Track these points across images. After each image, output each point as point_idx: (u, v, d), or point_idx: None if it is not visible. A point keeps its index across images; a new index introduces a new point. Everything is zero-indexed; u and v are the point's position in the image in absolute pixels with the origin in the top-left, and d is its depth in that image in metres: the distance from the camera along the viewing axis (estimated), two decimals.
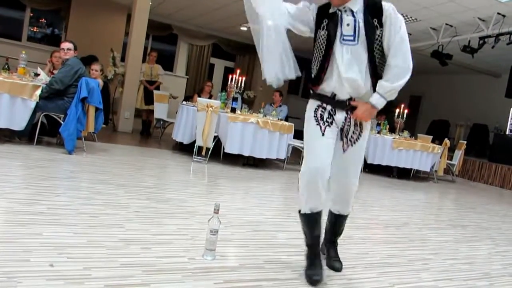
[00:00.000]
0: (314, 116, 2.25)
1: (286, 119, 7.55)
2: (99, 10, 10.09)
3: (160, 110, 7.40)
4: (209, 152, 5.60)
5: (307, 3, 2.31)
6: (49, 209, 2.67)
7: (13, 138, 4.72)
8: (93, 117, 4.80)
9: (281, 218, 3.53)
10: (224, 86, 9.76)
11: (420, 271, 2.69)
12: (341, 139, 2.31)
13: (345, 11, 2.18)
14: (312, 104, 2.30)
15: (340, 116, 2.26)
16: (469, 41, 7.98)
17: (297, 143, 6.32)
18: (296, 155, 7.17)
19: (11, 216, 2.48)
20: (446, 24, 7.97)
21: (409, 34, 9.00)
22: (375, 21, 2.15)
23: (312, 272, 2.22)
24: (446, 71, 10.60)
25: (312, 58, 2.30)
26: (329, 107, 2.25)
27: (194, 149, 5.68)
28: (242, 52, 12.59)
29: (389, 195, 5.73)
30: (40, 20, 10.69)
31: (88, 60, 6.79)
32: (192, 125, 5.85)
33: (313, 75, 2.28)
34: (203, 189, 4.35)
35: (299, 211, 2.29)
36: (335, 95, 2.24)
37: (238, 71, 6.72)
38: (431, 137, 8.68)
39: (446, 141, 7.96)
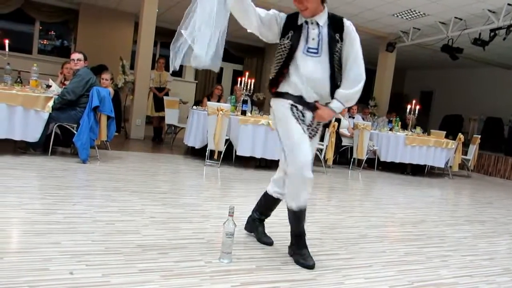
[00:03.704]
0: (292, 115, 2.41)
1: None
2: (107, 19, 10.20)
3: (171, 116, 7.44)
4: (221, 155, 5.61)
5: (277, 12, 2.44)
6: (66, 218, 2.70)
7: (28, 150, 4.79)
8: (105, 126, 4.85)
9: None
10: (234, 89, 9.78)
11: (440, 268, 2.66)
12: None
13: (312, 23, 2.38)
14: (283, 102, 2.43)
15: (308, 115, 2.46)
16: (480, 34, 7.88)
17: None
18: None
19: (29, 226, 2.51)
20: (455, 17, 7.88)
21: (418, 29, 8.94)
22: (337, 35, 2.38)
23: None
24: (457, 65, 10.47)
25: (274, 62, 2.51)
26: (300, 107, 2.43)
27: (206, 153, 5.70)
28: (250, 54, 12.62)
29: (404, 192, 5.68)
30: (50, 33, 10.85)
31: (98, 70, 6.89)
32: (203, 130, 5.87)
33: (271, 77, 2.51)
34: (216, 193, 4.36)
35: (299, 208, 2.38)
36: (301, 97, 2.41)
37: (247, 73, 6.74)
38: (445, 132, 8.58)
39: (460, 136, 7.86)
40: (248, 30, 2.44)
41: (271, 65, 2.50)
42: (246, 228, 2.84)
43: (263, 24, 2.38)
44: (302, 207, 2.39)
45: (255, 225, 2.79)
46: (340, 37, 2.38)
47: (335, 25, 2.39)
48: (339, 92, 2.40)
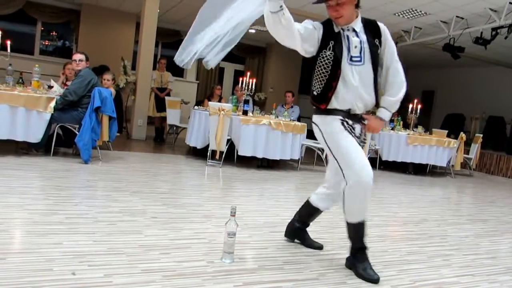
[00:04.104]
0: (345, 129, 2.32)
1: (299, 120, 7.53)
2: (108, 20, 10.21)
3: (172, 116, 7.45)
4: (223, 155, 5.62)
5: (313, 23, 2.31)
6: (68, 219, 2.71)
7: (30, 150, 4.80)
8: (107, 126, 4.86)
9: None
10: (235, 89, 9.79)
11: (441, 267, 2.66)
12: None
13: (348, 30, 2.30)
14: (333, 119, 2.34)
15: (357, 128, 2.40)
16: (481, 33, 7.86)
17: (310, 143, 6.30)
18: (309, 155, 7.15)
19: (32, 227, 2.52)
20: (457, 16, 7.86)
21: (419, 28, 8.90)
22: (376, 41, 2.32)
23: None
24: (459, 64, 10.45)
25: (314, 77, 2.38)
26: (350, 122, 2.36)
27: (208, 153, 5.70)
28: (252, 54, 12.61)
29: (406, 191, 5.67)
30: (51, 33, 10.87)
31: (100, 70, 6.90)
32: (205, 130, 5.88)
33: (316, 93, 2.37)
34: (218, 193, 4.36)
35: (359, 221, 2.31)
36: (349, 109, 2.34)
37: (249, 73, 6.74)
38: (446, 131, 8.56)
39: (462, 135, 7.84)
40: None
41: (314, 77, 2.33)
42: (286, 235, 2.80)
43: (305, 42, 2.27)
44: (362, 220, 2.32)
45: (300, 233, 2.76)
46: (379, 42, 2.33)
47: (372, 29, 2.33)
48: (386, 99, 2.37)
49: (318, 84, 2.35)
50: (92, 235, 2.46)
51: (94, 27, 10.03)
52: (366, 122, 2.41)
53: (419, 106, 7.79)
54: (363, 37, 2.29)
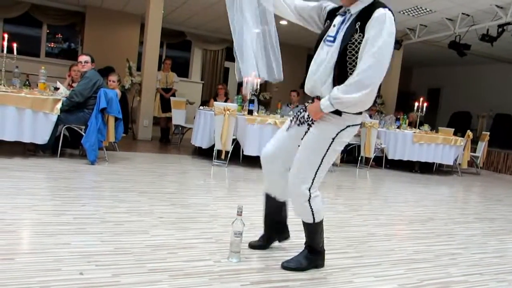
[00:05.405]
0: (294, 115, 2.31)
1: None
2: (113, 21, 10.26)
3: (178, 116, 7.47)
4: (229, 155, 5.62)
5: (323, 4, 2.29)
6: (76, 219, 2.73)
7: (37, 152, 4.84)
8: (113, 127, 4.89)
9: None
10: (240, 89, 9.78)
11: (449, 266, 2.65)
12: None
13: (345, 12, 2.15)
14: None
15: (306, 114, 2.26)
16: (488, 30, 7.80)
17: None
18: None
19: (40, 227, 2.54)
20: (463, 13, 7.81)
21: (425, 26, 8.83)
22: (357, 24, 2.02)
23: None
24: (465, 62, 10.39)
25: None
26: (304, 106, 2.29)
27: (214, 153, 5.71)
28: None
29: (412, 190, 5.65)
30: (57, 36, 10.94)
31: (105, 72, 6.93)
32: (210, 130, 5.89)
33: None
34: (224, 193, 4.37)
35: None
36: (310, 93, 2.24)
37: (254, 73, 6.73)
38: (453, 129, 8.51)
39: (469, 133, 7.79)
40: None
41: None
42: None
43: (302, 18, 2.30)
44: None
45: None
46: (361, 26, 2.00)
47: (365, 13, 2.02)
48: (334, 90, 2.03)
49: None
50: (100, 235, 2.48)
51: (99, 29, 10.08)
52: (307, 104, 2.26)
53: (425, 104, 7.76)
54: (351, 18, 2.07)
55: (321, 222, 2.28)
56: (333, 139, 2.14)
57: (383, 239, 3.10)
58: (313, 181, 2.17)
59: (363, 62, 1.97)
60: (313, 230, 2.29)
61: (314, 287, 2.12)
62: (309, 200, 2.18)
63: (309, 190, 2.17)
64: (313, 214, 2.21)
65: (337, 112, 2.09)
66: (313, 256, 2.33)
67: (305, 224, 2.29)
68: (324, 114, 2.10)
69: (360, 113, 2.13)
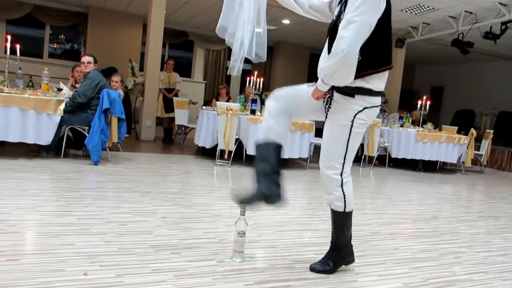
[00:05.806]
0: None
1: None
2: (115, 22, 10.28)
3: (180, 116, 7.48)
4: (232, 155, 5.63)
5: None
6: (79, 220, 2.74)
7: (41, 153, 4.85)
8: (116, 128, 4.89)
9: (306, 217, 3.52)
10: (243, 89, 9.78)
11: (453, 264, 2.64)
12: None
13: None
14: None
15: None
16: (491, 27, 7.76)
17: (319, 141, 6.28)
18: (318, 154, 7.12)
19: (44, 228, 2.55)
20: (465, 11, 7.78)
21: (427, 24, 8.79)
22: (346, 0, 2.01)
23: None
24: (468, 60, 10.34)
25: None
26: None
27: (217, 153, 5.71)
28: None
29: (416, 188, 5.63)
30: (60, 37, 10.97)
31: (108, 72, 6.94)
32: (213, 129, 5.89)
33: None
34: (227, 192, 4.37)
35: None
36: None
37: (256, 72, 6.74)
38: (456, 127, 8.48)
39: (472, 131, 7.76)
40: None
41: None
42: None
43: (314, 11, 2.31)
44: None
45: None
46: (345, 2, 2.00)
47: None
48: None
49: None
50: (104, 235, 2.48)
51: (101, 30, 10.11)
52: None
53: (428, 103, 7.73)
54: None
55: (350, 214, 2.25)
56: (352, 121, 2.14)
57: (387, 238, 3.10)
58: (343, 167, 2.20)
59: (339, 31, 1.98)
60: (341, 221, 2.25)
61: (318, 286, 2.12)
62: (341, 185, 2.19)
63: (341, 175, 2.20)
64: (345, 201, 2.20)
65: (349, 94, 2.10)
66: (337, 253, 2.30)
67: (335, 214, 2.24)
68: (333, 96, 2.16)
69: (376, 93, 2.15)
